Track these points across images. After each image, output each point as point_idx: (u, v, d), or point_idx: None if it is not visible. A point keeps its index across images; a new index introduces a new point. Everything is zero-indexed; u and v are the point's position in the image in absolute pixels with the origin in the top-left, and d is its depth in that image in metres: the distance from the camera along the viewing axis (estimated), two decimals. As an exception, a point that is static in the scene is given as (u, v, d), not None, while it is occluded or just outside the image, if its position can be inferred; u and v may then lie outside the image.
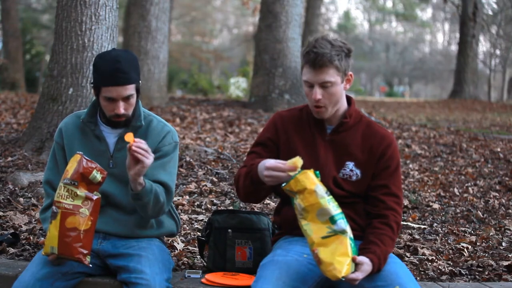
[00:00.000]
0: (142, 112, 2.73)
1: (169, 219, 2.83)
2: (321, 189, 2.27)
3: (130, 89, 2.60)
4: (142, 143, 2.48)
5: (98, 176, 2.44)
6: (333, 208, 2.27)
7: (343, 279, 2.23)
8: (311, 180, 2.27)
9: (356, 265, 2.28)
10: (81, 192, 2.42)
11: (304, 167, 2.40)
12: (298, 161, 2.29)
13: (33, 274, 2.48)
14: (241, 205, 4.29)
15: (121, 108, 2.60)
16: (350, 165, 2.54)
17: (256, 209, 4.21)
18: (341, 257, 2.24)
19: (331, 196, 2.30)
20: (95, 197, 2.45)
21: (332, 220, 2.26)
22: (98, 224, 2.56)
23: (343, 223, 2.27)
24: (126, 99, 2.61)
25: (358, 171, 2.53)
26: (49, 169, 2.76)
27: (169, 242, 3.41)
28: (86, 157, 2.45)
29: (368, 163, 2.53)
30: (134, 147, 2.44)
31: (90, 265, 2.50)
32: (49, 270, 2.51)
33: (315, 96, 2.46)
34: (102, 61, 2.61)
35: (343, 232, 2.26)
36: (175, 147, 2.76)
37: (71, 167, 2.44)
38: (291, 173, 2.28)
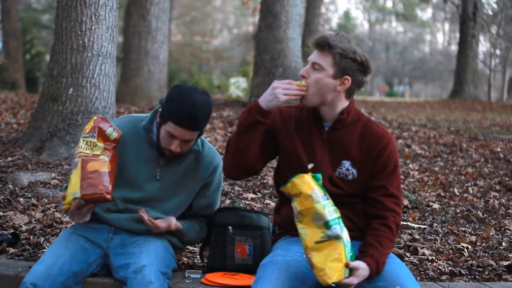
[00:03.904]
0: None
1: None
2: (317, 193, 2.25)
3: (194, 135, 2.67)
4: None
5: (114, 133, 2.55)
6: (329, 213, 2.25)
7: (334, 285, 2.22)
8: (308, 184, 2.26)
9: (351, 270, 2.27)
10: (100, 143, 2.53)
11: (301, 165, 2.40)
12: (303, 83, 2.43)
13: (56, 260, 2.54)
14: (241, 205, 4.29)
15: (177, 147, 2.66)
16: (347, 164, 2.52)
17: (256, 209, 4.21)
18: (334, 262, 2.22)
19: (328, 201, 2.28)
20: (112, 147, 2.56)
21: (326, 225, 2.24)
22: (110, 218, 2.71)
23: (338, 228, 2.25)
24: (186, 141, 2.67)
25: (354, 171, 2.52)
26: None
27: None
28: (102, 116, 2.58)
29: (365, 163, 2.51)
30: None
31: (113, 201, 2.60)
32: (68, 257, 2.58)
33: (301, 71, 2.49)
34: (180, 98, 2.62)
35: (337, 237, 2.24)
36: (221, 173, 2.86)
37: (89, 125, 2.56)
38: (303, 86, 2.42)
